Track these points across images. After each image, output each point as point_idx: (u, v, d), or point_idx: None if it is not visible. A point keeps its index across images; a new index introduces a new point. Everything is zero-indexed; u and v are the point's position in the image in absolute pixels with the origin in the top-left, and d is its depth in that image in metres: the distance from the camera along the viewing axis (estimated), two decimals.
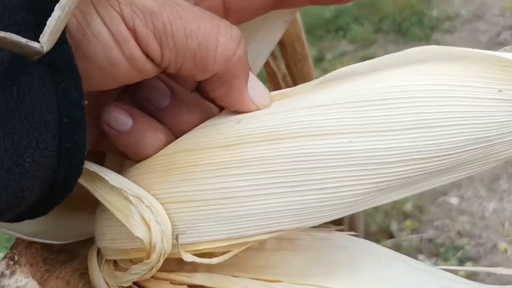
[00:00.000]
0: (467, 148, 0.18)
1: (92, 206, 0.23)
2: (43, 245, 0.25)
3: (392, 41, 1.69)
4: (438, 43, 1.66)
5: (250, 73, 0.21)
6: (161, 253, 0.20)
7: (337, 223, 0.47)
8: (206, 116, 0.22)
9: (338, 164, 0.18)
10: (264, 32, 0.26)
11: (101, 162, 0.25)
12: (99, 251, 0.24)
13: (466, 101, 0.18)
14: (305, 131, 0.19)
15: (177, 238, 0.20)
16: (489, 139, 0.18)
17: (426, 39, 1.67)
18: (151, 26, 0.18)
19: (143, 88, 0.22)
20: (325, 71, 1.63)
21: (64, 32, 0.16)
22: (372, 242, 0.23)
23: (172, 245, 0.20)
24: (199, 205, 0.20)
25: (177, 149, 0.21)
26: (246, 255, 0.23)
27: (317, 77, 0.23)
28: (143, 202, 0.20)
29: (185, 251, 0.21)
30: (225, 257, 0.21)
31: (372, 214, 1.23)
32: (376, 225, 1.22)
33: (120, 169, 0.23)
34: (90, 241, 0.25)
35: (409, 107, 0.18)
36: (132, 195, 0.20)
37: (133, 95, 0.22)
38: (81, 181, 0.21)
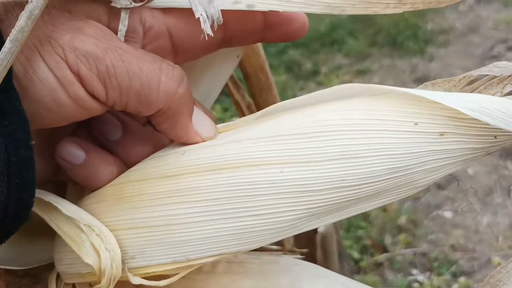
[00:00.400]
0: (386, 177, 0.20)
1: (54, 231, 0.24)
2: (7, 270, 0.26)
3: (386, 55, 1.70)
4: (432, 56, 1.67)
5: (195, 107, 0.23)
6: (111, 278, 0.21)
7: (310, 242, 0.48)
8: (157, 148, 0.23)
9: (271, 192, 0.20)
10: (217, 67, 0.28)
11: (63, 191, 0.26)
12: (58, 275, 0.25)
13: (384, 134, 0.19)
14: (241, 162, 0.20)
15: (124, 263, 0.21)
16: (407, 168, 0.20)
17: (420, 52, 1.68)
18: (95, 70, 0.19)
19: (96, 122, 0.23)
20: (320, 84, 1.65)
21: (11, 79, 0.18)
22: (316, 265, 0.24)
23: (123, 270, 0.21)
24: (147, 231, 0.21)
25: (126, 179, 0.22)
26: (199, 278, 0.24)
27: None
28: (93, 230, 0.21)
29: (136, 274, 0.22)
30: (173, 279, 0.22)
31: (366, 227, 1.23)
32: (370, 239, 1.22)
33: (81, 196, 0.25)
34: (53, 265, 0.26)
35: (333, 139, 0.20)
36: (84, 224, 0.21)
37: (88, 128, 0.24)
38: (37, 211, 0.22)
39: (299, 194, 0.20)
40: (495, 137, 0.19)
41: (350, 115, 0.20)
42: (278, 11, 0.22)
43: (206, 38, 0.20)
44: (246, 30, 0.24)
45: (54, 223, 0.22)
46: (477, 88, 0.21)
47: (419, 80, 1.57)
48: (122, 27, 0.22)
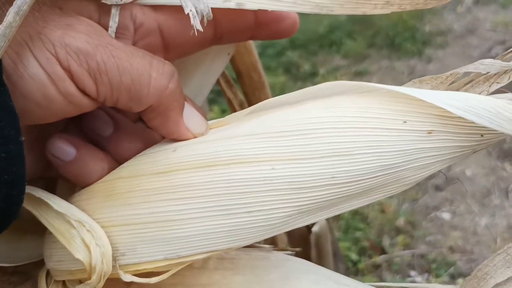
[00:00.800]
0: (376, 174, 0.20)
1: (44, 228, 0.24)
2: None
3: (385, 56, 1.71)
4: (430, 58, 1.68)
5: (186, 104, 0.23)
6: (101, 274, 0.21)
7: (304, 241, 0.48)
8: (148, 144, 0.23)
9: (263, 189, 0.20)
10: (207, 64, 0.28)
11: (53, 187, 0.26)
12: (48, 272, 0.25)
13: (374, 131, 0.20)
14: (233, 159, 0.20)
15: (115, 260, 0.21)
16: (396, 165, 0.20)
17: (418, 54, 1.69)
18: (86, 66, 0.20)
19: (87, 119, 0.23)
20: None
21: (0, 74, 0.18)
22: (306, 261, 0.24)
23: (114, 266, 0.21)
24: (138, 228, 0.21)
25: (117, 175, 0.22)
26: (190, 274, 0.24)
27: None
28: (84, 226, 0.21)
29: (126, 271, 0.22)
30: (164, 276, 0.22)
31: (364, 229, 1.23)
32: (368, 241, 1.22)
33: (72, 193, 0.25)
34: (44, 262, 0.26)
35: (323, 137, 0.20)
36: (75, 220, 0.21)
37: (79, 125, 0.24)
38: (27, 206, 0.22)
39: (290, 191, 0.20)
40: (482, 135, 0.20)
41: (340, 112, 0.20)
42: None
43: (196, 34, 0.20)
44: (237, 27, 0.24)
45: (45, 219, 0.22)
46: (464, 86, 0.21)
47: None
48: (113, 23, 0.22)
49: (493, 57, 0.20)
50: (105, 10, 0.22)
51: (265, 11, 0.23)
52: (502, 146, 1.34)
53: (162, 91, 0.21)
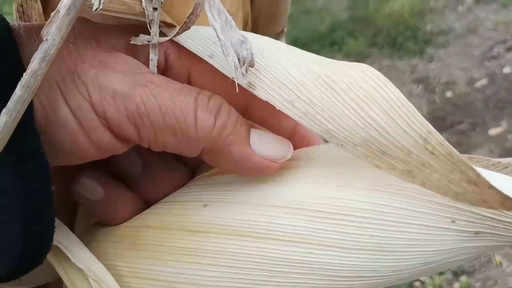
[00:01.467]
0: (417, 269, 0.19)
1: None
2: None
3: (386, 55, 1.71)
4: (432, 57, 1.68)
5: (253, 129, 0.20)
6: None
7: None
8: (178, 183, 0.22)
9: (297, 271, 0.19)
10: None
11: (74, 210, 0.26)
12: None
13: (421, 229, 0.19)
14: (269, 234, 0.19)
15: None
16: (437, 262, 0.19)
17: (420, 53, 1.69)
18: (123, 110, 0.18)
19: (114, 157, 0.21)
20: None
21: (31, 120, 0.16)
22: None
23: None
24: (163, 285, 0.21)
25: (144, 223, 0.22)
26: None
27: None
28: None
29: None
30: None
31: None
32: None
33: (92, 220, 0.24)
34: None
35: (367, 228, 0.19)
36: (93, 279, 0.20)
37: (106, 161, 0.22)
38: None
39: (325, 277, 0.19)
40: None
41: (385, 201, 0.19)
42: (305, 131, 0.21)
43: (237, 88, 0.18)
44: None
45: (63, 270, 0.21)
46: None
47: (419, 81, 1.58)
48: (153, 56, 0.20)
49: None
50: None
51: (305, 132, 0.21)
52: (504, 145, 1.34)
53: (210, 130, 0.18)
